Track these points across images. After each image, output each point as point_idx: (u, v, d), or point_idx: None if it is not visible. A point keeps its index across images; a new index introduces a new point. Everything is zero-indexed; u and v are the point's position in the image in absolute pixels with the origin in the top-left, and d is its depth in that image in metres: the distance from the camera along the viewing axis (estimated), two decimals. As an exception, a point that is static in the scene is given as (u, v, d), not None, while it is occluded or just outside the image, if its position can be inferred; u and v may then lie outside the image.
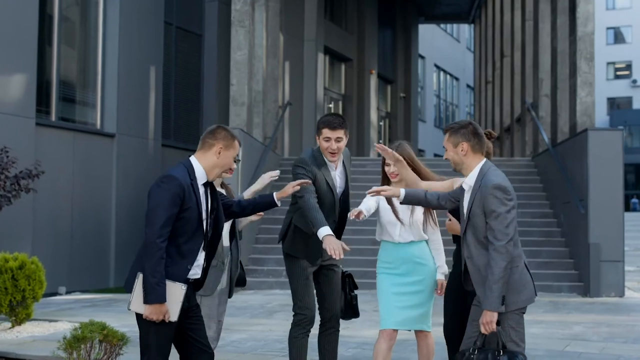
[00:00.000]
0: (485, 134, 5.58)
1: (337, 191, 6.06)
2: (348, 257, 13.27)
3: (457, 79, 46.11)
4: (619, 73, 69.95)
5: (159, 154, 16.59)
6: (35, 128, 13.28)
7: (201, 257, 4.71)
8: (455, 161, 4.87)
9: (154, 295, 4.45)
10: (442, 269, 5.93)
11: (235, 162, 5.96)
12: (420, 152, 34.25)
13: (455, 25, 44.86)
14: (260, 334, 9.44)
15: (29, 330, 9.43)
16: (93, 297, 13.60)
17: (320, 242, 5.62)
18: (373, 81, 27.38)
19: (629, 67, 69.45)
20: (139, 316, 4.59)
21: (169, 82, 17.42)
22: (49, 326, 9.71)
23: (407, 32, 31.97)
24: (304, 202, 5.79)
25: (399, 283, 5.84)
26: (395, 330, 5.82)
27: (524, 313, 4.86)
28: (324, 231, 5.59)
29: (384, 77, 29.86)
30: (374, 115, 27.52)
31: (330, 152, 5.96)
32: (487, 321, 4.66)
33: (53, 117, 14.18)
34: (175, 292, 4.54)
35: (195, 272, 4.69)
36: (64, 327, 9.59)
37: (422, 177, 5.72)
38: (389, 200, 5.83)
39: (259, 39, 17.07)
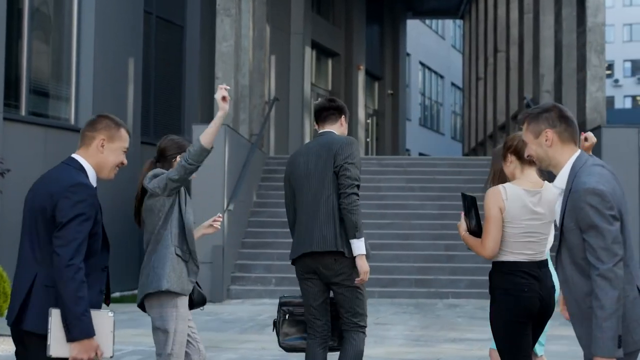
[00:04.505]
0: None
1: None
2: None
3: (442, 77, 45.32)
4: (601, 72, 69.82)
5: (138, 152, 15.58)
6: (3, 123, 12.42)
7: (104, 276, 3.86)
8: (539, 156, 3.70)
9: (80, 328, 3.55)
10: None
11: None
12: (406, 151, 33.34)
13: (440, 22, 44.09)
14: (252, 353, 8.45)
15: (-9, 349, 8.47)
16: (66, 307, 12.54)
17: None
18: (361, 77, 26.55)
19: (610, 66, 69.45)
20: None
21: (148, 75, 16.52)
22: (15, 344, 8.72)
23: (395, 27, 31.15)
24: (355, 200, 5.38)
25: None
26: None
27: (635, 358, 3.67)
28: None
29: (372, 73, 29.00)
30: (361, 113, 26.66)
31: None
32: None
33: (23, 112, 13.36)
34: (104, 321, 3.67)
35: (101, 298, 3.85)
36: (31, 345, 8.58)
37: None
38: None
39: (245, 30, 16.07)
